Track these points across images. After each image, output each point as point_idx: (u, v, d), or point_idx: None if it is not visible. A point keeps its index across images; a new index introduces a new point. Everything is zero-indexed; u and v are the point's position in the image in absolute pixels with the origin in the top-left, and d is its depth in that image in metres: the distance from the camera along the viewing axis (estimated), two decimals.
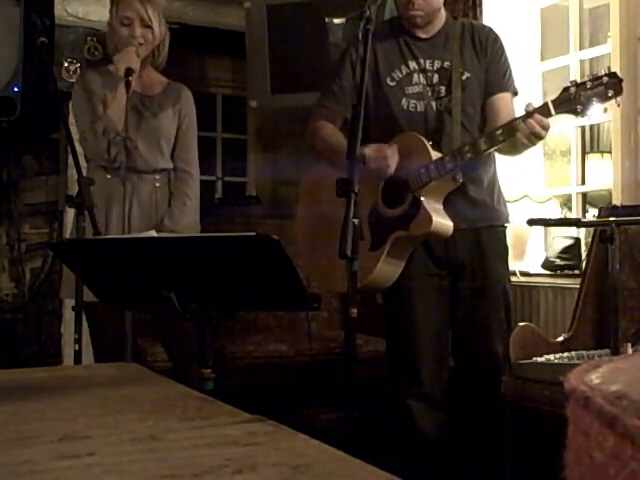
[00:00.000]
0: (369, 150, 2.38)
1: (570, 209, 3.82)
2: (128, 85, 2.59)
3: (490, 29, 2.66)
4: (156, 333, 3.00)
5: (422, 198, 2.40)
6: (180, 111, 2.87)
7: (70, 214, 3.21)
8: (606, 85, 2.16)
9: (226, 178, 5.19)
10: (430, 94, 2.53)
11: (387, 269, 2.47)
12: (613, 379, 0.54)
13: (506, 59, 2.62)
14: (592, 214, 3.75)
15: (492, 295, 2.58)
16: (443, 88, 2.53)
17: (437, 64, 2.55)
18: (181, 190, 2.85)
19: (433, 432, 2.57)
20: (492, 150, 2.40)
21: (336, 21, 4.15)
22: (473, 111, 2.53)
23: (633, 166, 3.28)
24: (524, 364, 2.55)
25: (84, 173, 2.86)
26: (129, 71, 2.59)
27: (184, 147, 2.88)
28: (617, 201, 3.22)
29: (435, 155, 2.40)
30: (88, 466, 0.91)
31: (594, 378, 0.54)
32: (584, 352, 2.63)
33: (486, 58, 2.56)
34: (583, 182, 3.66)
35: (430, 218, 2.37)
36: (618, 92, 2.16)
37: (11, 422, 1.17)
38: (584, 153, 3.71)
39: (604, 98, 2.17)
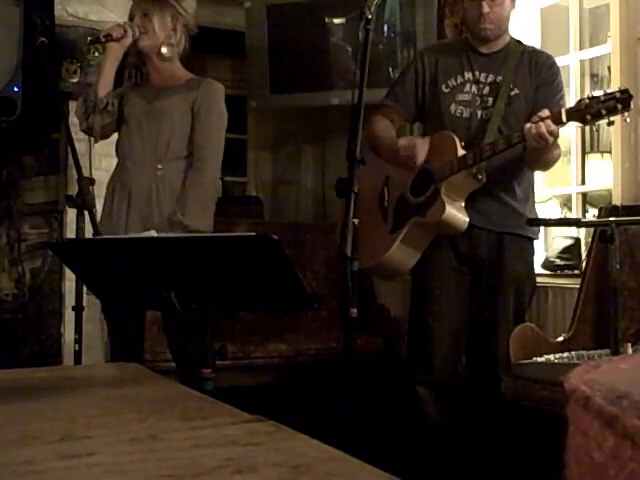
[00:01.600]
0: (403, 140, 2.65)
1: (570, 209, 3.82)
2: (99, 45, 2.79)
3: (549, 55, 2.81)
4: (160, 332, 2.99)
5: (442, 189, 2.55)
6: (195, 99, 2.79)
7: (70, 214, 3.21)
8: (617, 100, 2.27)
9: (226, 178, 5.18)
10: (478, 103, 2.67)
11: (401, 253, 2.62)
12: (613, 379, 0.54)
13: (559, 85, 2.72)
14: (592, 214, 3.74)
15: (503, 297, 2.66)
16: (491, 99, 2.66)
17: (491, 78, 2.69)
18: (192, 177, 2.76)
19: (438, 421, 2.68)
20: (508, 149, 2.49)
21: (336, 21, 4.15)
22: (517, 125, 2.59)
23: (633, 166, 3.28)
24: (524, 364, 2.55)
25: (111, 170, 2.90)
26: (107, 36, 2.74)
27: (198, 134, 2.79)
28: (617, 201, 3.22)
29: (461, 152, 2.55)
30: (88, 466, 0.91)
31: (594, 378, 0.54)
32: (584, 352, 2.63)
33: (538, 79, 2.68)
34: (583, 182, 3.66)
35: (444, 206, 2.52)
36: (626, 107, 2.26)
37: (11, 422, 1.16)
38: (584, 153, 3.70)
39: (613, 111, 2.27)
